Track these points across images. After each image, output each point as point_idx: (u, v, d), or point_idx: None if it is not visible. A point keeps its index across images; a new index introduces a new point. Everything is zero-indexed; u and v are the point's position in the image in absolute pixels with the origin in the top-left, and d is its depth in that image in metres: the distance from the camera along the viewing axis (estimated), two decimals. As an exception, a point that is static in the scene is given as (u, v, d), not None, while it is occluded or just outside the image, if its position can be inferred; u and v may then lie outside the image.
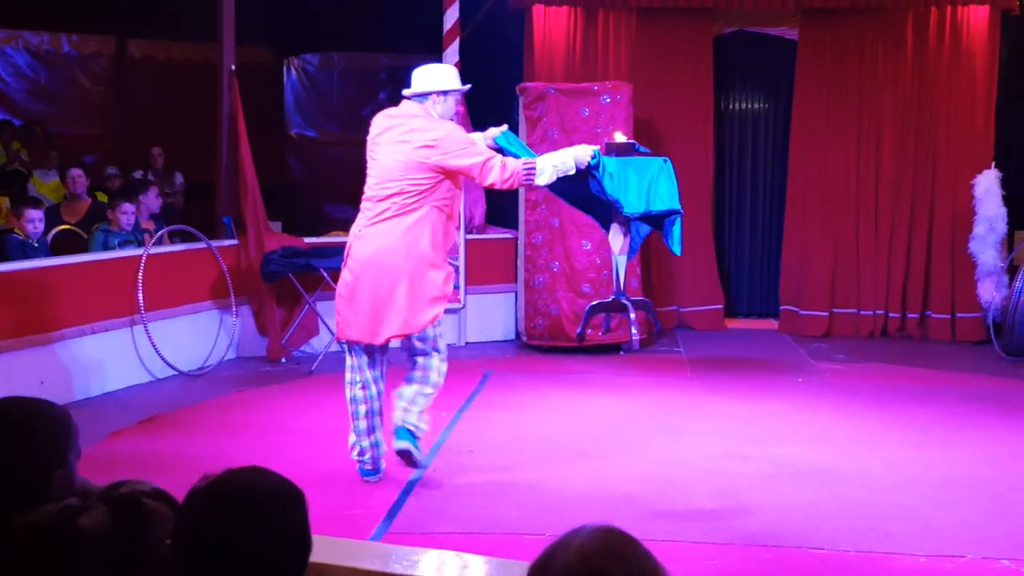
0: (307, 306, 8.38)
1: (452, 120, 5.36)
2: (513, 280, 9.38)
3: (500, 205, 9.58)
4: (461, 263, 9.08)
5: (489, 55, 10.01)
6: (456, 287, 9.04)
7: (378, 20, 10.82)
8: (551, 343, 8.87)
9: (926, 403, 7.14)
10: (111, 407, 6.88)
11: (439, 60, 9.32)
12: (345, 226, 10.32)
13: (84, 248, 7.74)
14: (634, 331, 6.00)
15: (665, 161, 5.83)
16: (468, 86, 5.47)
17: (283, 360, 8.29)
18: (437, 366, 5.29)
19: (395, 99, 10.93)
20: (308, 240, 8.66)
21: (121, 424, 6.37)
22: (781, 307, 10.05)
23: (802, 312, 9.81)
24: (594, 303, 6.39)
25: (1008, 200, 9.26)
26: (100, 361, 7.19)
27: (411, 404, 5.27)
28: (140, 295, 7.36)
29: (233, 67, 8.51)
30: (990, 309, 9.22)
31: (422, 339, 5.22)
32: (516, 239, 9.31)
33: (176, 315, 7.83)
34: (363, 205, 5.33)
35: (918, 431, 6.43)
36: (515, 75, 9.68)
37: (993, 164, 9.43)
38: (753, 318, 10.47)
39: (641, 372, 8.10)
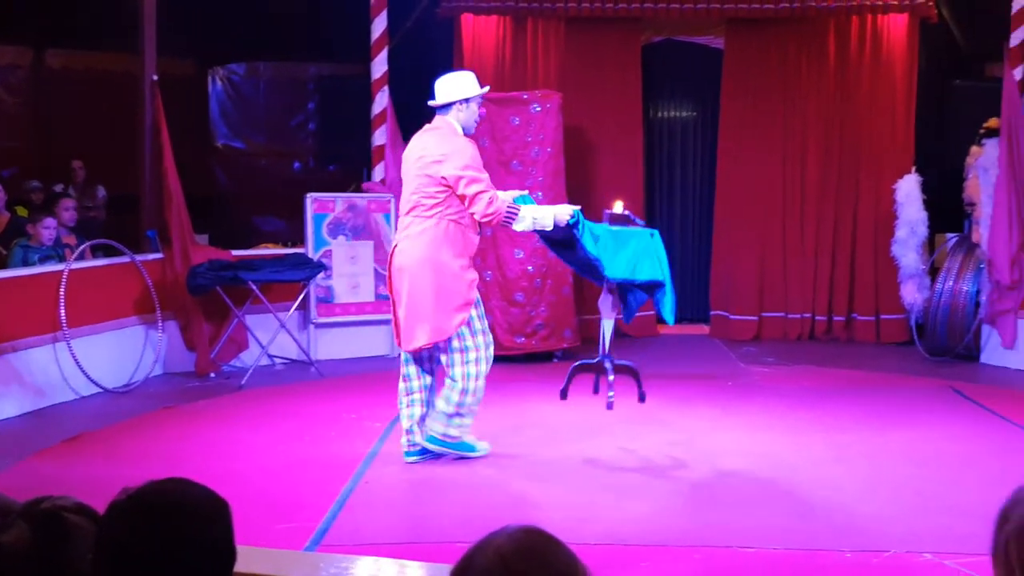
0: (236, 320, 8.30)
1: (476, 122, 5.84)
2: (445, 290, 9.38)
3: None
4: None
5: (418, 64, 10.00)
6: (388, 298, 9.03)
7: (305, 29, 10.78)
8: (484, 352, 8.88)
9: (851, 403, 7.31)
10: (33, 427, 6.76)
11: (367, 68, 9.34)
12: (274, 238, 10.34)
13: (3, 264, 7.59)
14: (611, 393, 6.23)
15: (653, 235, 6.05)
16: (487, 88, 5.87)
17: (212, 375, 8.21)
18: (461, 368, 5.61)
19: (324, 109, 10.97)
20: (236, 253, 8.59)
21: (44, 444, 6.25)
22: (712, 312, 10.20)
23: (732, 317, 9.97)
24: (578, 363, 6.56)
25: (928, 204, 9.50)
26: (21, 379, 7.05)
27: (439, 411, 5.67)
28: (62, 311, 7.24)
29: (155, 77, 8.42)
30: (913, 311, 9.45)
31: (446, 343, 5.59)
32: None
33: (100, 331, 7.71)
34: (399, 221, 5.85)
35: (843, 431, 6.58)
36: (444, 84, 9.68)
37: (914, 169, 9.68)
38: (685, 324, 10.57)
39: (574, 379, 8.13)
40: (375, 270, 9.02)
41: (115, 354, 7.85)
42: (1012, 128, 8.52)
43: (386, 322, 9.01)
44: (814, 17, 9.90)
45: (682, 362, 8.87)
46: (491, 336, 5.85)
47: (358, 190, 9.47)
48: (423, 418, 5.74)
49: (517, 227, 5.69)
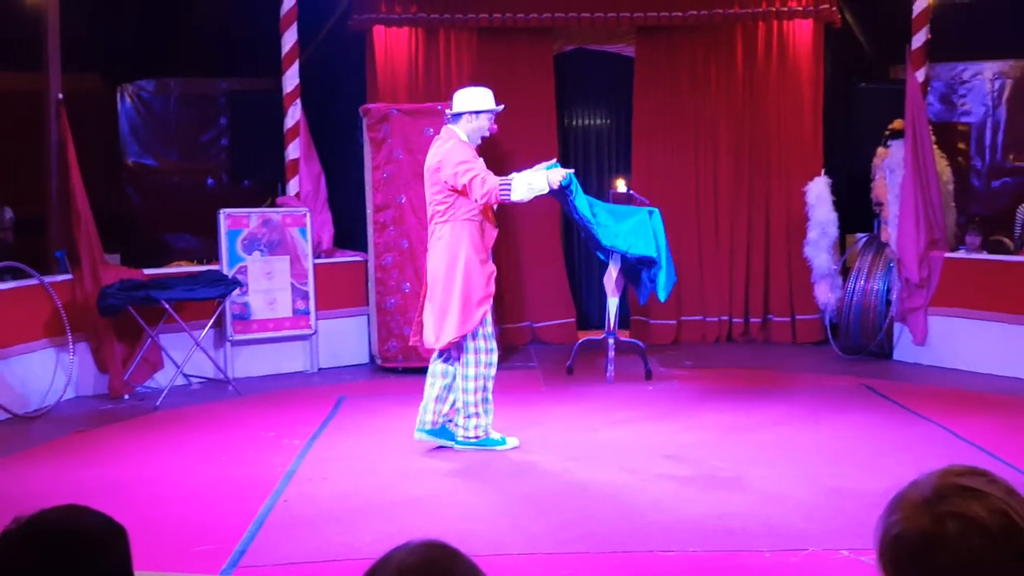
0: (149, 340, 8.14)
1: (483, 138, 6.19)
2: (365, 303, 9.33)
3: (348, 228, 9.53)
4: (311, 288, 8.99)
5: (331, 77, 9.96)
6: (306, 313, 8.96)
7: (215, 44, 10.63)
8: (405, 365, 8.84)
9: (768, 403, 7.42)
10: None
11: (279, 83, 9.25)
12: (188, 255, 10.17)
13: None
14: (610, 368, 6.38)
15: (652, 213, 6.21)
16: (502, 106, 6.22)
17: (126, 397, 8.03)
18: (473, 368, 6.08)
19: (236, 124, 10.81)
20: (148, 271, 8.42)
21: (-50, 473, 6.07)
22: (632, 317, 10.27)
23: (651, 321, 10.05)
24: (583, 340, 6.69)
25: (838, 205, 9.69)
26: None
27: (459, 415, 6.19)
28: (-33, 336, 7.04)
29: (61, 96, 8.24)
30: (827, 310, 9.63)
31: (462, 342, 6.05)
32: (366, 261, 9.26)
33: (8, 355, 7.50)
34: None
35: (760, 431, 6.68)
36: (358, 96, 9.65)
37: (823, 171, 9.87)
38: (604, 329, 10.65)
39: (496, 388, 8.12)
40: (292, 285, 8.92)
41: (25, 378, 7.64)
42: (916, 129, 8.74)
43: (305, 337, 8.98)
44: (721, 24, 10.06)
45: (601, 367, 8.87)
46: (495, 342, 6.24)
47: (273, 205, 9.37)
48: (438, 399, 6.20)
49: (515, 197, 5.95)
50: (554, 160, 6.25)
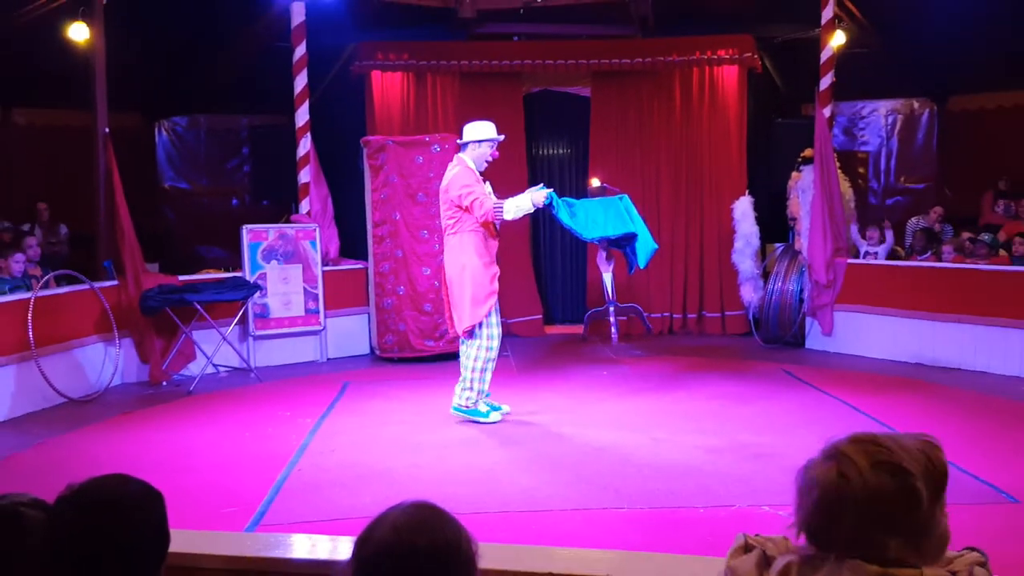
0: (184, 335, 8.08)
1: (487, 162, 6.24)
2: (366, 303, 9.29)
3: (352, 241, 9.49)
4: (320, 291, 8.95)
5: (336, 114, 9.92)
6: (316, 312, 8.92)
7: (237, 86, 10.58)
8: (400, 355, 8.83)
9: (703, 385, 7.44)
10: (8, 434, 6.47)
11: (292, 118, 9.21)
12: (215, 264, 10.09)
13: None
14: (613, 331, 6.40)
15: (621, 198, 6.33)
16: (502, 136, 6.31)
17: (164, 384, 7.97)
18: (474, 350, 6.18)
19: (256, 154, 10.75)
20: (182, 278, 8.36)
21: (18, 449, 6.01)
22: (587, 313, 10.27)
23: (607, 317, 10.05)
24: (591, 311, 6.73)
25: (760, 220, 9.75)
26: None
27: (457, 385, 6.30)
28: (30, 333, 6.95)
29: (107, 130, 8.17)
30: (750, 307, 9.68)
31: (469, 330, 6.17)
32: (367, 269, 9.22)
33: (65, 349, 7.43)
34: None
35: (696, 407, 6.71)
36: (359, 130, 9.63)
37: (747, 192, 9.92)
38: (567, 324, 10.66)
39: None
40: (304, 288, 8.88)
41: (78, 368, 7.57)
42: (823, 156, 8.80)
43: (315, 332, 8.94)
44: (663, 70, 10.11)
45: (564, 356, 8.92)
46: (499, 330, 6.28)
47: (287, 221, 9.32)
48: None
49: (507, 217, 6.08)
50: (541, 185, 6.38)
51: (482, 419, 6.29)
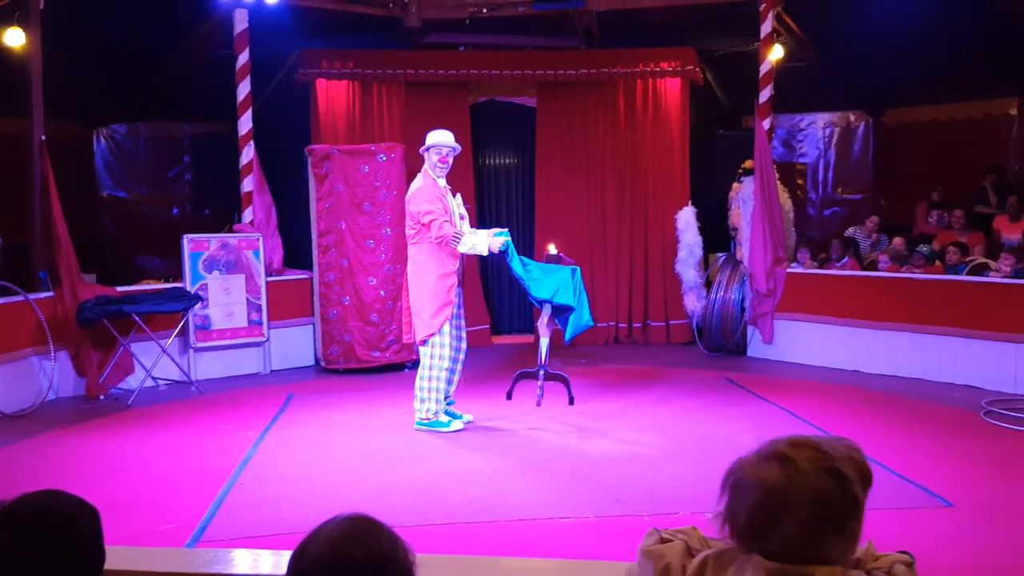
0: (122, 348, 7.90)
1: (438, 167, 6.25)
2: (310, 314, 9.19)
3: (296, 250, 9.38)
4: (263, 302, 8.83)
5: (280, 122, 9.82)
6: (260, 323, 8.79)
7: (179, 93, 10.41)
8: (346, 366, 8.74)
9: (648, 393, 7.51)
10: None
11: (235, 126, 9.08)
12: (155, 275, 9.89)
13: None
14: (540, 393, 6.45)
15: (574, 272, 6.41)
16: (449, 146, 6.29)
17: (101, 397, 7.76)
18: (427, 360, 6.23)
19: (197, 162, 10.59)
20: (121, 288, 8.17)
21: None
22: (535, 323, 10.28)
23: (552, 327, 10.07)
24: (520, 371, 6.76)
25: (703, 230, 9.86)
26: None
27: (415, 401, 6.33)
28: (-40, 346, 6.74)
29: (43, 137, 7.97)
30: (694, 316, 9.78)
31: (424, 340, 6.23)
32: (311, 278, 9.12)
33: (-2, 363, 7.23)
34: None
35: (641, 415, 6.75)
36: (303, 139, 9.53)
37: (690, 202, 10.03)
38: (514, 334, 10.68)
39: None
40: (247, 299, 8.75)
41: (12, 382, 7.35)
42: (763, 168, 8.95)
43: (258, 344, 8.81)
44: (607, 81, 10.19)
45: (513, 365, 8.90)
46: (459, 343, 6.32)
47: (230, 231, 9.18)
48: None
49: (460, 248, 6.14)
50: (505, 229, 6.45)
51: (443, 429, 6.31)
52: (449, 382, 6.39)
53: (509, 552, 4.08)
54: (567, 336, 6.65)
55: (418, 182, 6.29)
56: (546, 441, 6.07)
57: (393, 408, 7.10)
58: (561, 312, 6.61)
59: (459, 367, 6.45)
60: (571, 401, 6.65)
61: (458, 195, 6.49)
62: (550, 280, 6.53)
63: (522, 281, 6.49)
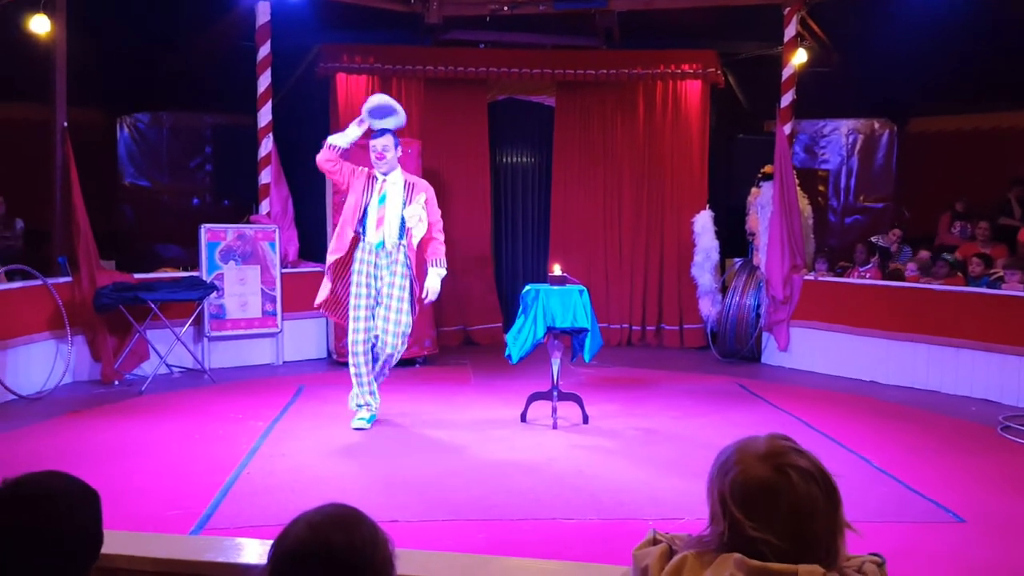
0: (137, 334, 7.98)
1: (374, 161, 6.39)
2: (324, 307, 9.22)
3: (311, 242, 9.43)
4: (278, 293, 8.88)
5: (299, 114, 9.87)
6: (274, 314, 8.85)
7: (202, 85, 10.49)
8: (357, 359, 8.76)
9: (658, 397, 7.49)
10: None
11: (255, 118, 9.14)
12: (174, 263, 9.99)
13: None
14: (553, 416, 6.45)
15: (582, 292, 6.39)
16: (384, 126, 6.36)
17: (116, 383, 7.86)
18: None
19: (218, 153, 10.65)
20: (138, 276, 8.25)
21: (-43, 447, 5.89)
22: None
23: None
24: (533, 393, 6.76)
25: (719, 234, 9.82)
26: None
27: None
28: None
29: (65, 124, 8.06)
30: (708, 321, 9.75)
31: None
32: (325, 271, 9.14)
33: (15, 345, 7.30)
34: None
35: (651, 420, 6.73)
36: (322, 132, 9.50)
37: (707, 206, 10.00)
38: (527, 333, 10.65)
39: (432, 381, 8.14)
40: (261, 290, 8.81)
41: (29, 365, 7.45)
42: (783, 173, 8.90)
43: (272, 335, 8.87)
44: (627, 82, 10.18)
45: (525, 366, 8.89)
46: (366, 334, 6.36)
47: (247, 222, 9.25)
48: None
49: (338, 143, 6.41)
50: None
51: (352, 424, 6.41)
52: (359, 378, 6.35)
53: (510, 552, 4.08)
54: (587, 356, 6.67)
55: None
56: (551, 442, 6.07)
57: (403, 402, 7.13)
58: (577, 333, 6.60)
59: (376, 366, 6.39)
60: (585, 420, 6.62)
61: (421, 195, 6.37)
62: (559, 307, 6.55)
63: (529, 338, 6.51)
